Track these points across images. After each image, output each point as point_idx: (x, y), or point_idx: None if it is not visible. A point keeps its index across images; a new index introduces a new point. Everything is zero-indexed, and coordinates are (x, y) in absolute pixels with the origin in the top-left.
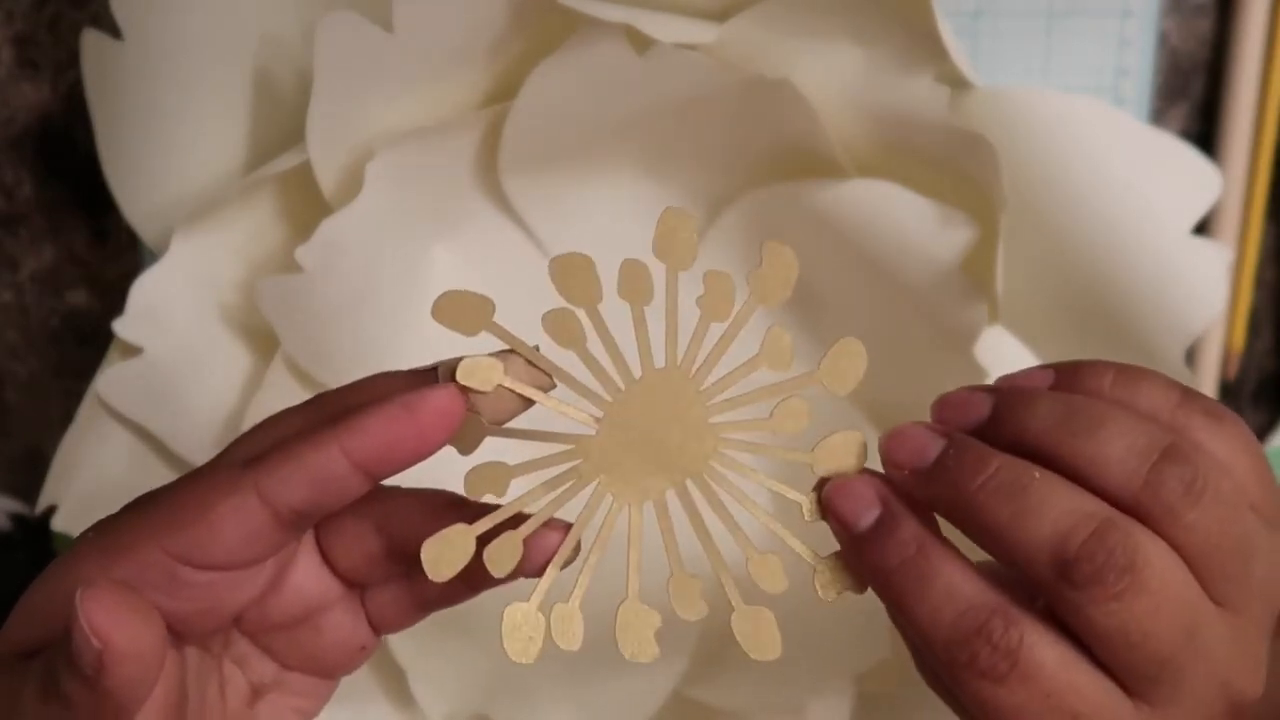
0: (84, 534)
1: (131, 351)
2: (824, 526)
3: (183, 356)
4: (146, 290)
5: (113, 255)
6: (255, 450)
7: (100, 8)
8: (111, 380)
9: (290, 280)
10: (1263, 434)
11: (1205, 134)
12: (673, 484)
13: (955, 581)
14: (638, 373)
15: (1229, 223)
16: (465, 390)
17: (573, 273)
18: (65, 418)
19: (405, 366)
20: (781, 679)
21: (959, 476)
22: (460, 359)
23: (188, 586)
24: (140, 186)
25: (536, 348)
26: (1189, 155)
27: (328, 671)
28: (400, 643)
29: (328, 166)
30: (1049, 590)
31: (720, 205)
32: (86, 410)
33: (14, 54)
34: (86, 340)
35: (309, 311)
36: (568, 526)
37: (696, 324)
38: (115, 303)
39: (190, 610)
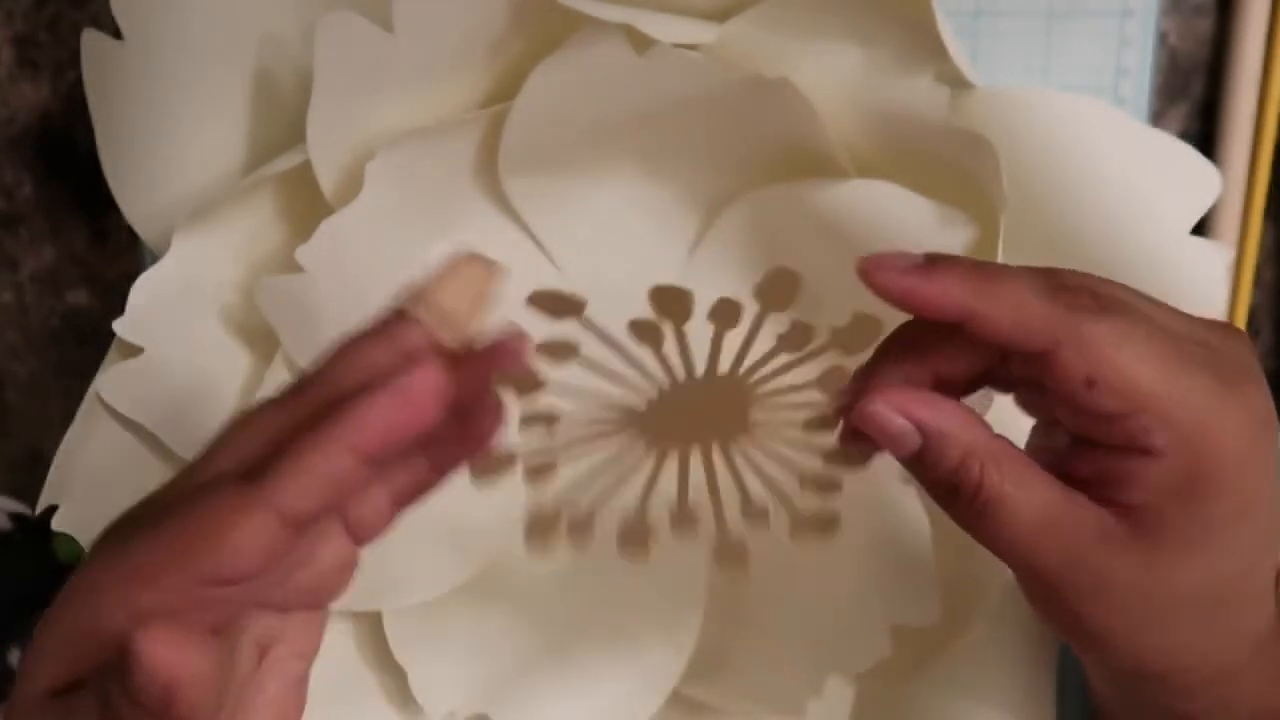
0: (91, 554)
1: (132, 351)
2: None
3: (183, 357)
4: (147, 290)
5: (113, 255)
6: (247, 454)
7: (100, 8)
8: (111, 380)
9: (290, 280)
10: None
11: (1205, 134)
12: (703, 444)
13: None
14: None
15: (1229, 223)
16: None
17: (673, 298)
18: (65, 418)
19: None
20: (781, 678)
21: None
22: (425, 290)
23: (213, 601)
24: (140, 186)
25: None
26: (1189, 155)
27: (321, 601)
28: (400, 642)
29: (328, 166)
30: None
31: (720, 205)
32: (86, 410)
33: (14, 54)
34: (86, 340)
35: (309, 311)
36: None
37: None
38: (115, 303)
39: (218, 617)
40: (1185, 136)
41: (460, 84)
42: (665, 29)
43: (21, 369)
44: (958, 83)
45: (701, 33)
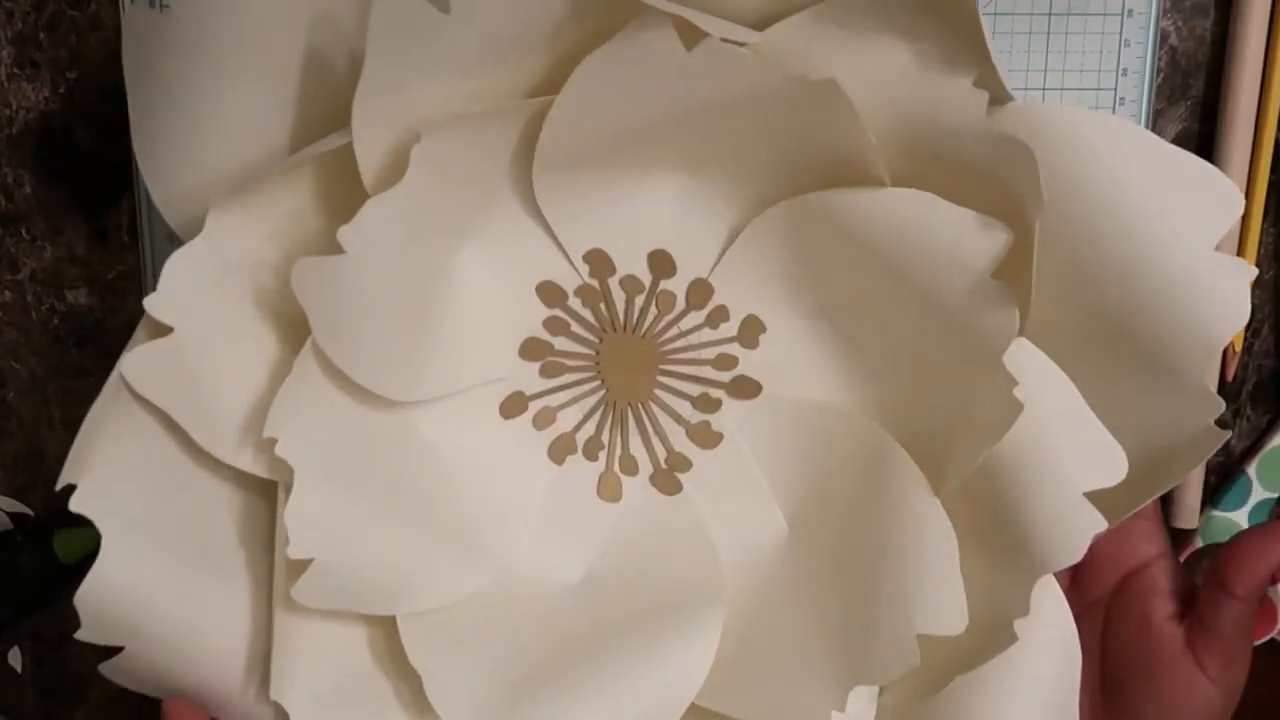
0: None
1: (160, 331)
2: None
3: (212, 340)
4: (180, 267)
5: (113, 255)
6: None
7: (100, 7)
8: (136, 361)
9: (329, 262)
10: (1263, 434)
11: (1205, 134)
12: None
13: None
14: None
15: None
16: None
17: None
18: (65, 418)
19: (431, 361)
20: (803, 690)
21: None
22: None
23: None
24: (172, 167)
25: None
26: (1212, 175)
27: None
28: (416, 648)
29: (371, 149)
30: None
31: (754, 210)
32: (110, 390)
33: (14, 54)
34: (86, 340)
35: (343, 295)
36: None
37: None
38: (115, 303)
39: None
40: (1185, 136)
41: (514, 72)
42: (715, 25)
43: (21, 369)
44: (995, 90)
45: (748, 33)
